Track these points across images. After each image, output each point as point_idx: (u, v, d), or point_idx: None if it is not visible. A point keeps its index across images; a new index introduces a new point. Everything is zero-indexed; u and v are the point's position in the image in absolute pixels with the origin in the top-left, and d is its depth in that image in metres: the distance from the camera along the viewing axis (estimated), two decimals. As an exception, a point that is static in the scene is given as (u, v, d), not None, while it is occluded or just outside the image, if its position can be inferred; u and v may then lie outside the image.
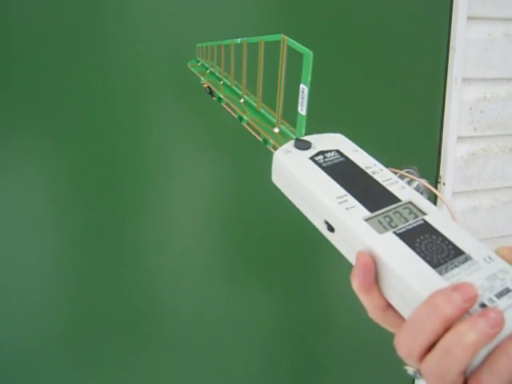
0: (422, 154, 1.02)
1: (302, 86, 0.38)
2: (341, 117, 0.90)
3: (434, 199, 0.97)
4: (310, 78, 0.37)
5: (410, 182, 0.41)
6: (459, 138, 1.02)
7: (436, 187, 1.03)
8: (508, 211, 1.10)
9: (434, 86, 1.00)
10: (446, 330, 0.27)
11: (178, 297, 0.93)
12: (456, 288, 0.28)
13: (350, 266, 0.34)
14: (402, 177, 0.41)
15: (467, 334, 0.26)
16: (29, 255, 0.83)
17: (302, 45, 0.37)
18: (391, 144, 0.97)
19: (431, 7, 0.95)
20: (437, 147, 1.03)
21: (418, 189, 0.38)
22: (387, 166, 0.40)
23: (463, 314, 0.27)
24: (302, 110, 0.39)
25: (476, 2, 0.96)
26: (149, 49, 0.78)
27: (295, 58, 0.39)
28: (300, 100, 0.39)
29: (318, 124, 0.41)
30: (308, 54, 0.36)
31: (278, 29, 0.43)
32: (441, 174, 1.04)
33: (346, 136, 0.42)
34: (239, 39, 0.47)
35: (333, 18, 0.89)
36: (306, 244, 0.96)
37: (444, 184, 1.03)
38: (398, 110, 0.98)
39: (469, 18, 0.96)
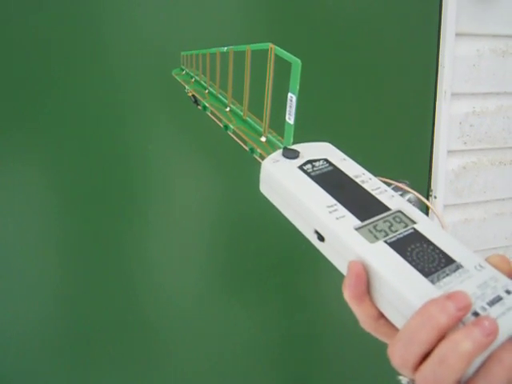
0: (413, 167, 1.03)
1: (290, 94, 0.38)
2: (331, 131, 0.91)
3: (426, 211, 0.97)
4: (298, 87, 0.37)
5: (402, 194, 0.41)
6: (450, 151, 1.03)
7: (427, 200, 1.03)
8: (499, 223, 1.11)
9: (423, 100, 1.01)
10: (440, 339, 0.27)
11: (174, 309, 0.92)
12: (450, 297, 0.28)
13: (340, 275, 0.33)
14: (395, 189, 0.41)
15: (462, 343, 0.26)
16: (25, 267, 0.82)
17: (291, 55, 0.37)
18: (382, 158, 0.97)
19: (420, 24, 0.97)
20: (428, 161, 1.03)
21: (410, 201, 0.38)
22: (376, 175, 0.39)
23: (457, 322, 0.27)
24: (290, 118, 0.39)
25: (464, 19, 0.97)
26: (132, 57, 0.77)
27: (283, 66, 0.38)
28: (288, 109, 0.39)
29: (305, 135, 0.41)
30: (296, 63, 0.36)
31: (265, 37, 0.43)
32: (432, 187, 1.04)
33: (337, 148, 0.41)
34: (225, 47, 0.47)
35: (323, 34, 0.90)
36: (298, 254, 0.96)
37: (435, 197, 1.04)
38: (388, 125, 0.99)
39: (457, 34, 0.98)
